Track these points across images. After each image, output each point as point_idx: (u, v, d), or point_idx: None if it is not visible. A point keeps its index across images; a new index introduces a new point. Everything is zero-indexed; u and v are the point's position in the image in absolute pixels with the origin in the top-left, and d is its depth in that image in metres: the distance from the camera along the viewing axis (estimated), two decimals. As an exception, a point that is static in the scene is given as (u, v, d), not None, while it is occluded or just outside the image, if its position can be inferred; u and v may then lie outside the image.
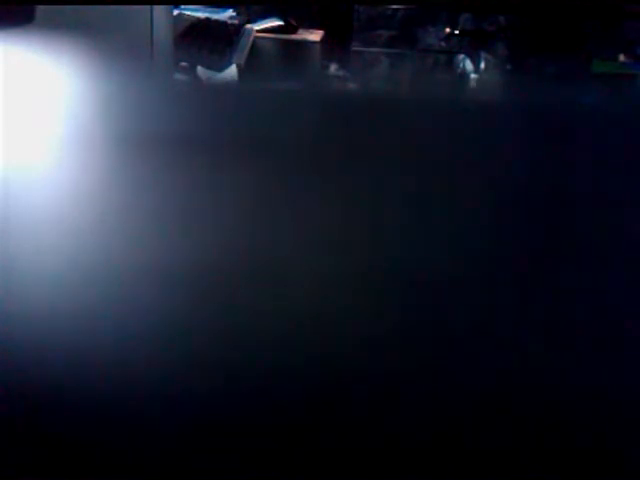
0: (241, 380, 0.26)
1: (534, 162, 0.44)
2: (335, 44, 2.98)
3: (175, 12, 2.69)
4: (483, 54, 2.92)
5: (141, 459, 0.23)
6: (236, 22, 2.89)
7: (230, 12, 2.95)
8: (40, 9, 1.56)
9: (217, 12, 2.92)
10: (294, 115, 0.48)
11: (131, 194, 0.38)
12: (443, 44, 2.96)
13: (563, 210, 0.39)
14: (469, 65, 2.92)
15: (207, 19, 2.84)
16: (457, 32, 2.93)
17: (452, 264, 0.34)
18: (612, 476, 0.23)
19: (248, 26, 2.86)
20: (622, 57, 2.85)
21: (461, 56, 2.93)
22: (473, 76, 2.91)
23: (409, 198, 0.39)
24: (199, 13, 2.87)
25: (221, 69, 2.72)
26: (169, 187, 0.39)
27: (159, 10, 1.98)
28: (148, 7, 1.95)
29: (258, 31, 2.88)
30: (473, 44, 2.94)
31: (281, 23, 2.93)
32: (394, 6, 2.97)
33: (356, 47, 3.00)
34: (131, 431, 0.24)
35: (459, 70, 2.93)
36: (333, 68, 2.96)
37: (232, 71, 2.73)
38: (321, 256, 0.34)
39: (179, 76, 2.55)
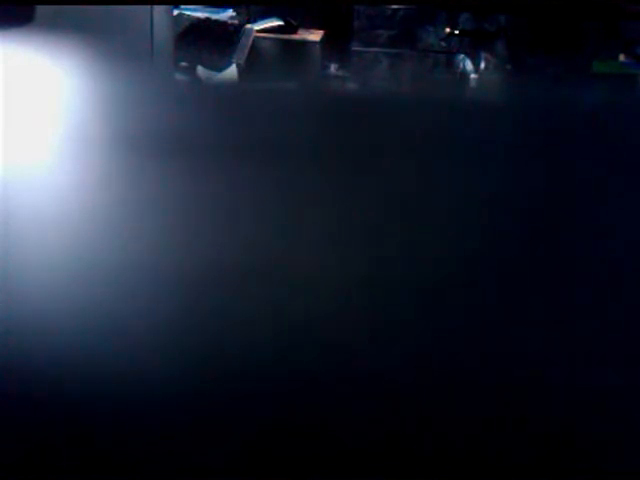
0: (243, 381, 0.26)
1: (533, 162, 0.44)
2: (335, 44, 2.98)
3: (175, 12, 2.69)
4: (483, 54, 2.92)
5: (139, 458, 0.23)
6: (236, 22, 2.89)
7: (230, 12, 2.95)
8: (40, 9, 1.56)
9: (217, 12, 2.92)
10: (294, 115, 0.48)
11: (131, 193, 0.38)
12: (443, 44, 2.96)
13: (563, 210, 0.39)
14: (469, 65, 2.92)
15: (207, 19, 2.84)
16: (457, 32, 2.93)
17: (454, 264, 0.34)
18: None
19: (248, 26, 2.86)
20: (622, 57, 2.85)
21: (461, 56, 2.93)
22: (473, 76, 2.90)
23: (409, 198, 0.39)
24: (199, 13, 2.86)
25: (221, 69, 2.72)
26: (169, 187, 0.39)
27: (159, 10, 1.98)
28: (148, 7, 1.95)
29: (258, 31, 2.88)
30: (473, 44, 2.94)
31: (281, 23, 2.92)
32: (394, 6, 2.97)
33: (356, 47, 3.00)
34: (134, 431, 0.24)
35: (459, 70, 2.93)
36: (333, 68, 2.96)
37: (232, 71, 2.73)
38: (319, 255, 0.34)
39: (179, 76, 2.54)
